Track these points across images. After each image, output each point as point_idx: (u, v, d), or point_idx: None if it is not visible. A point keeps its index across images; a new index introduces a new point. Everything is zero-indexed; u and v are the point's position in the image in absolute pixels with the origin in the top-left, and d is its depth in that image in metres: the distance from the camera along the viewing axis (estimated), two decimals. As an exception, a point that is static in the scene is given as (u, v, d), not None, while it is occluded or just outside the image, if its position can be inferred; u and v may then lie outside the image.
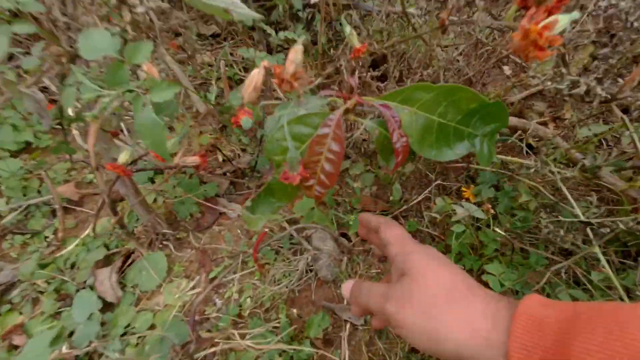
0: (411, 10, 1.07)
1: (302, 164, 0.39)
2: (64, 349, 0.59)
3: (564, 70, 0.50)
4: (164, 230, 0.84)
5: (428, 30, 0.68)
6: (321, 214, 0.79)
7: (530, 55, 0.28)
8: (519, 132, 0.98)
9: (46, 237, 0.86)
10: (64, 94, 0.52)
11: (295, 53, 0.37)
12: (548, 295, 0.71)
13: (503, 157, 0.89)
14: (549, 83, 0.53)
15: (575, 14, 0.28)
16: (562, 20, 0.27)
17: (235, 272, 0.84)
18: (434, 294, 0.26)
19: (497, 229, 0.73)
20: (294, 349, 0.68)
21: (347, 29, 0.54)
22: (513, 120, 0.82)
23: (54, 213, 0.93)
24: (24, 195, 0.94)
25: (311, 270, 0.87)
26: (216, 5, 0.46)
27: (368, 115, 0.47)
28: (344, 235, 0.92)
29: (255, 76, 0.40)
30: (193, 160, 0.53)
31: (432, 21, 0.80)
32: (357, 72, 0.76)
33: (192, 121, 1.00)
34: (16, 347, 0.65)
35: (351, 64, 0.72)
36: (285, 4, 1.06)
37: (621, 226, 0.57)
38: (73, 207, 0.93)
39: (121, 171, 0.53)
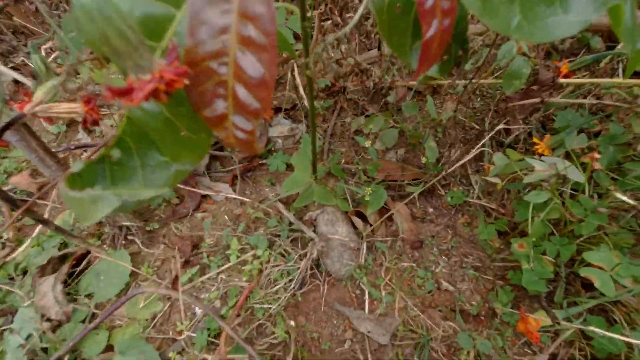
0: None
1: (176, 54, 0.15)
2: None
3: None
4: (126, 223, 0.66)
5: None
6: (323, 190, 0.56)
7: None
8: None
9: (0, 237, 0.72)
10: None
11: None
12: None
13: (601, 80, 0.58)
14: None
15: None
16: None
17: (218, 269, 0.65)
18: None
19: (614, 193, 0.44)
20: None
21: None
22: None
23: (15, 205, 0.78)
24: (-16, 189, 0.80)
25: (319, 266, 0.65)
26: None
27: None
28: (360, 215, 0.68)
29: None
30: (67, 109, 0.31)
31: None
32: None
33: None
34: None
35: None
36: None
37: None
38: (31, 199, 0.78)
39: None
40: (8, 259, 0.68)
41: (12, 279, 0.65)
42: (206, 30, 0.16)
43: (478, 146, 0.60)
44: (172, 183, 0.22)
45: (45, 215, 0.76)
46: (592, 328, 0.44)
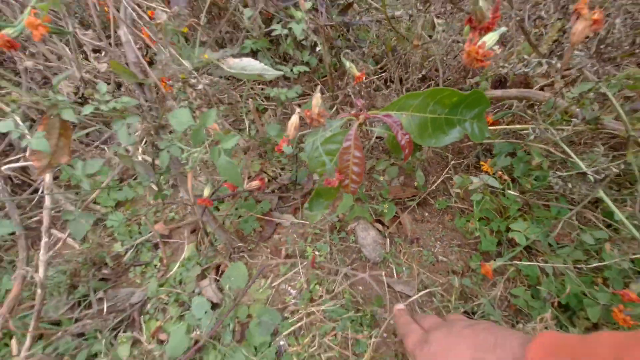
0: (398, 13, 1.22)
1: (336, 171, 0.56)
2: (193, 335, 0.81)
3: (526, 57, 0.63)
4: (238, 244, 1.06)
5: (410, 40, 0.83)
6: (360, 209, 0.96)
7: (475, 66, 0.42)
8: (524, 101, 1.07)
9: (155, 265, 1.13)
10: (161, 156, 0.75)
11: (316, 99, 0.55)
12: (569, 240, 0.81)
13: (511, 126, 1.00)
14: (519, 67, 0.65)
15: (503, 29, 0.43)
16: (490, 37, 0.40)
17: (301, 265, 1.04)
18: None
19: (512, 192, 0.85)
20: (361, 315, 0.86)
21: (347, 64, 0.72)
22: (513, 92, 0.93)
23: (155, 246, 1.19)
24: (130, 237, 1.22)
25: (361, 258, 1.04)
26: (253, 73, 0.67)
27: (377, 123, 0.63)
28: (380, 222, 1.08)
29: (294, 120, 0.59)
30: (255, 184, 0.73)
31: (416, 25, 0.94)
32: (362, 92, 0.93)
33: (241, 155, 1.24)
34: (162, 341, 0.90)
35: (355, 89, 0.89)
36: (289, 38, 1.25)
37: (613, 170, 0.67)
38: (166, 239, 1.19)
39: (207, 202, 0.74)
40: (167, 276, 1.08)
41: (173, 287, 1.05)
42: (343, 161, 0.58)
43: (445, 172, 1.01)
44: (325, 208, 0.63)
45: (179, 249, 1.17)
46: (522, 263, 0.82)
